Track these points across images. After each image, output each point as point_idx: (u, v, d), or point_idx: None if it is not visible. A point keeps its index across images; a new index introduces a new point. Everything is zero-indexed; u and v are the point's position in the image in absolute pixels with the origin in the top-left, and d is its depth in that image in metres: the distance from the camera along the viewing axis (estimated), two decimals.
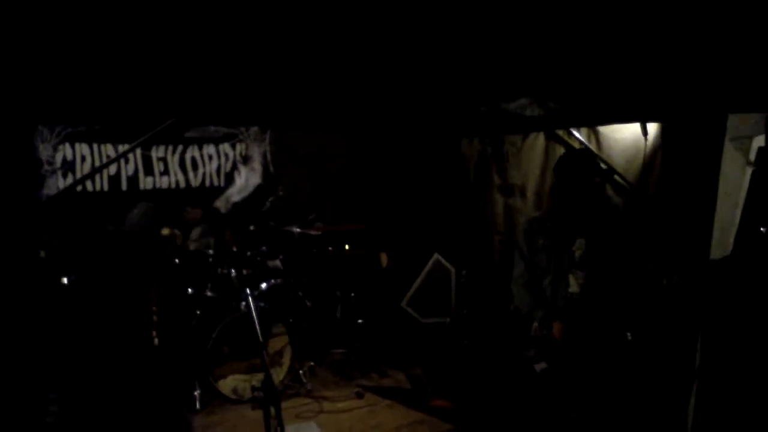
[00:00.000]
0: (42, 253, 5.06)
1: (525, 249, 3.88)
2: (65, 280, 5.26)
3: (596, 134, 5.22)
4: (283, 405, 3.89)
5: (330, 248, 6.49)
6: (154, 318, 3.13)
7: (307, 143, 6.99)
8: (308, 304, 6.09)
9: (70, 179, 5.83)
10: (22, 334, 3.28)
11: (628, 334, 3.75)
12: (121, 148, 6.01)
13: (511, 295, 4.00)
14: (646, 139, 4.71)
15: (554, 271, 3.74)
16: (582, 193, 3.67)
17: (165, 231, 3.18)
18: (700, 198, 4.03)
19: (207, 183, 6.62)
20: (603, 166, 4.92)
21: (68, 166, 5.86)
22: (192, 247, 5.79)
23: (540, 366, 3.67)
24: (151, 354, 2.99)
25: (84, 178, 5.84)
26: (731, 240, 3.68)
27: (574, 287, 3.70)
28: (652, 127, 4.70)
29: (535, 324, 3.72)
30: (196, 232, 5.92)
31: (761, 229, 3.40)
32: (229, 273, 5.40)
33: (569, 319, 3.65)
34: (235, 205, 6.68)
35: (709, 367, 3.73)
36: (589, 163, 3.87)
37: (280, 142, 6.97)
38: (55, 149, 5.80)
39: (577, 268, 3.70)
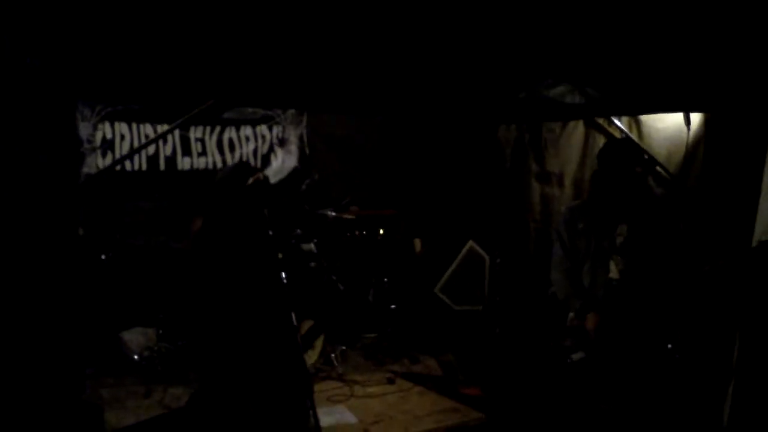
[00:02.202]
0: (81, 231, 5.14)
1: (565, 235, 3.85)
2: (103, 257, 5.34)
3: (638, 123, 5.13)
4: (315, 388, 3.92)
5: (364, 232, 6.48)
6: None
7: (342, 127, 6.97)
8: (341, 288, 6.10)
9: (109, 158, 5.90)
10: (61, 310, 3.33)
11: (668, 343, 3.68)
12: (160, 128, 6.06)
13: (548, 281, 3.97)
14: (688, 129, 4.62)
15: (594, 255, 3.70)
16: (623, 182, 3.62)
17: (250, 180, 3.20)
18: (742, 191, 3.94)
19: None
20: (645, 156, 4.84)
21: (107, 145, 5.92)
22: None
23: (577, 355, 3.64)
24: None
25: (124, 157, 5.89)
26: None
27: (614, 273, 3.65)
28: (695, 117, 4.60)
29: (571, 314, 3.68)
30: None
31: None
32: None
33: (607, 309, 3.61)
34: (272, 186, 6.70)
35: (747, 363, 3.66)
36: (631, 153, 3.82)
37: (316, 125, 6.96)
38: (95, 128, 5.86)
39: (618, 254, 3.65)
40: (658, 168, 4.82)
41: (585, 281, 3.75)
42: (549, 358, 4.02)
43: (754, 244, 3.69)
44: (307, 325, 5.34)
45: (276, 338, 3.00)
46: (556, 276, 3.92)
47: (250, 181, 3.21)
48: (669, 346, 3.67)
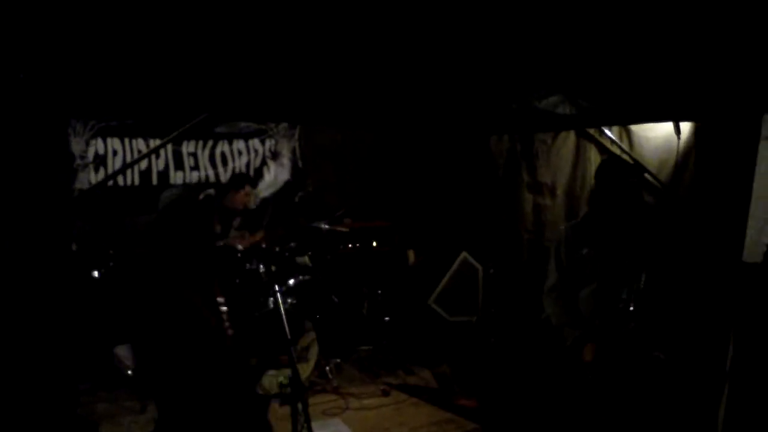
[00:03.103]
0: (74, 246, 5.13)
1: (563, 257, 3.78)
2: (96, 274, 5.34)
3: (628, 133, 5.15)
4: (310, 401, 3.90)
5: (358, 245, 6.49)
6: (224, 309, 3.12)
7: (335, 140, 7.00)
8: (335, 300, 6.10)
9: (101, 173, 5.90)
10: (55, 326, 3.32)
11: (657, 353, 3.66)
12: (152, 142, 6.07)
13: (542, 305, 3.92)
14: (679, 138, 4.65)
15: (600, 280, 3.64)
16: (623, 197, 3.60)
17: (201, 195, 3.18)
18: (733, 198, 3.96)
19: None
20: (630, 161, 4.87)
21: (100, 160, 5.93)
22: (232, 235, 5.80)
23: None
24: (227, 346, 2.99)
25: (116, 173, 5.91)
26: (766, 241, 3.61)
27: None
28: (686, 127, 4.63)
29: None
30: (237, 221, 5.94)
31: None
32: (258, 269, 5.42)
33: (611, 335, 3.56)
34: (264, 200, 6.71)
35: (741, 370, 3.67)
36: (627, 167, 3.83)
37: (309, 138, 6.98)
38: (87, 143, 5.87)
39: (636, 299, 3.58)
40: (647, 176, 4.84)
41: (586, 307, 3.69)
42: (544, 370, 4.00)
43: (745, 250, 3.71)
44: (304, 337, 5.33)
45: (221, 361, 2.97)
46: (549, 302, 3.85)
47: (201, 196, 3.20)
48: (660, 355, 3.66)
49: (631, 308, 3.55)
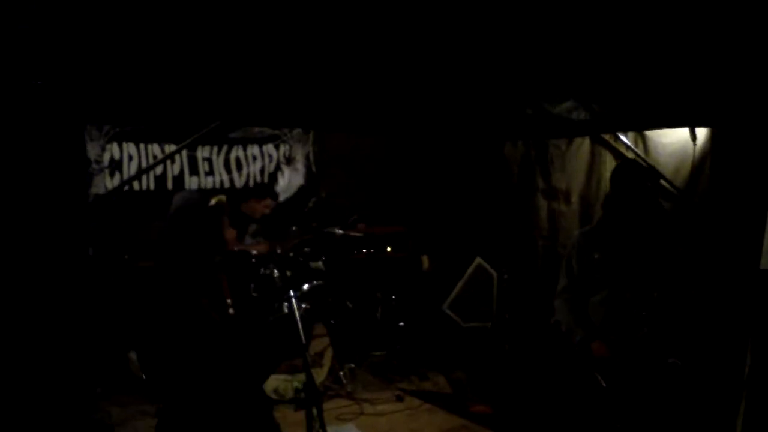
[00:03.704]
0: (90, 251, 5.16)
1: (574, 263, 3.76)
2: (111, 278, 5.36)
3: (643, 138, 5.12)
4: (324, 406, 3.90)
5: (372, 250, 6.49)
6: (231, 311, 3.15)
7: (349, 145, 7.00)
8: (349, 305, 6.10)
9: (117, 178, 5.94)
10: (71, 330, 3.34)
11: (671, 359, 3.62)
12: (167, 147, 6.10)
13: (553, 308, 3.92)
14: (695, 144, 4.62)
15: (611, 287, 3.62)
16: (639, 201, 3.57)
17: (213, 200, 3.19)
18: (750, 205, 3.93)
19: (251, 183, 6.67)
20: (645, 165, 4.85)
21: (115, 165, 5.97)
22: (247, 241, 5.82)
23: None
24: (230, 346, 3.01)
25: (131, 178, 5.94)
26: None
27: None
28: (702, 132, 4.60)
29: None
30: (252, 227, 5.96)
31: None
32: (272, 273, 5.42)
33: (618, 338, 3.54)
34: (278, 205, 6.73)
35: (759, 378, 3.64)
36: (642, 171, 3.80)
37: (323, 143, 6.99)
38: (102, 148, 5.91)
39: (649, 311, 3.56)
40: (662, 182, 4.82)
41: (597, 313, 3.67)
42: (557, 376, 3.98)
43: (762, 257, 3.68)
44: (318, 342, 5.33)
45: (225, 361, 2.99)
46: (559, 305, 3.86)
47: (212, 202, 3.22)
48: (676, 361, 3.62)
49: (644, 313, 3.53)
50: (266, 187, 6.39)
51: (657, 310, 3.54)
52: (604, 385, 3.53)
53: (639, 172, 3.77)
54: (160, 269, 3.11)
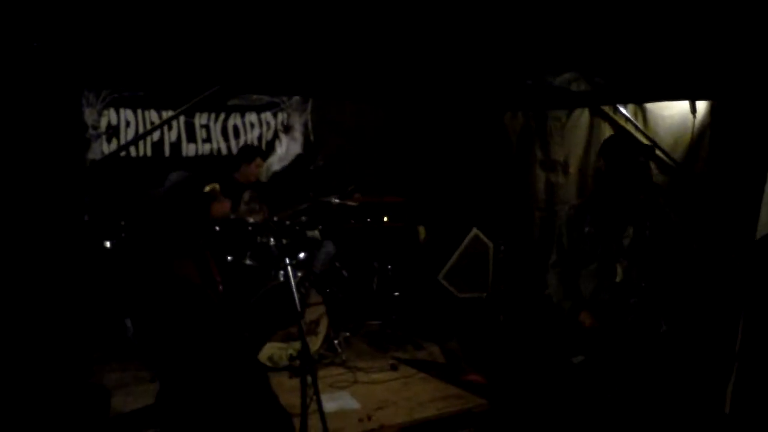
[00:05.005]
0: (86, 217, 5.16)
1: (565, 238, 3.76)
2: (108, 244, 5.36)
3: (643, 111, 5.11)
4: (319, 374, 3.93)
5: (368, 219, 6.49)
6: (220, 288, 3.17)
7: (347, 114, 6.97)
8: (345, 274, 6.11)
9: (114, 144, 5.91)
10: (67, 296, 3.35)
11: (663, 324, 3.64)
12: (165, 114, 6.06)
13: (545, 282, 3.93)
14: (694, 116, 4.61)
15: (600, 259, 3.62)
16: (630, 176, 3.56)
17: (207, 188, 3.20)
18: (748, 177, 3.93)
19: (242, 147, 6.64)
20: (644, 141, 4.83)
21: (112, 131, 5.94)
22: (242, 209, 5.80)
23: (577, 359, 3.62)
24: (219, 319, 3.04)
25: (128, 143, 5.91)
26: None
27: (620, 276, 3.59)
28: (702, 105, 4.59)
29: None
30: (247, 195, 5.93)
31: None
32: (268, 242, 5.42)
33: (609, 311, 3.57)
34: (275, 174, 6.71)
35: (750, 350, 3.66)
36: (634, 144, 3.78)
37: (321, 112, 6.96)
38: (100, 114, 5.87)
39: (623, 257, 3.58)
40: (659, 153, 4.81)
41: (587, 285, 3.68)
42: (547, 357, 4.00)
43: (759, 231, 3.69)
44: (314, 310, 5.35)
45: (218, 333, 3.02)
46: (550, 278, 3.87)
47: (206, 189, 3.23)
48: (662, 326, 3.64)
49: (636, 285, 3.55)
50: (253, 148, 6.33)
51: (647, 282, 3.56)
52: (582, 357, 3.57)
53: (630, 146, 3.74)
54: (152, 242, 3.14)
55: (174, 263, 2.99)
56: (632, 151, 3.64)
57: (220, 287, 3.19)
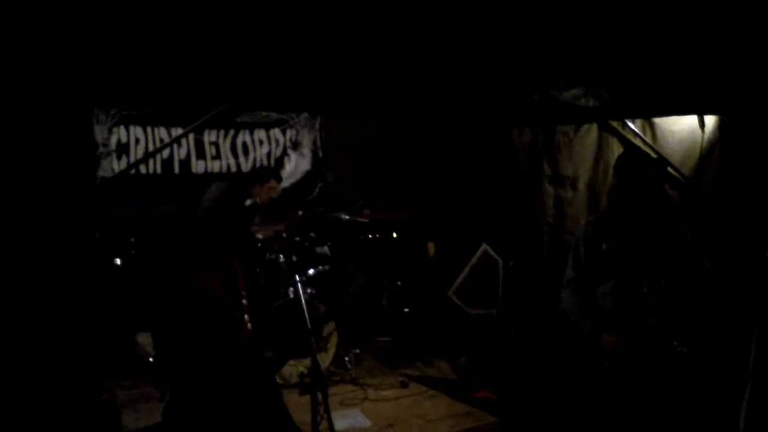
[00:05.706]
0: (97, 234, 5.18)
1: (582, 252, 3.73)
2: (118, 261, 5.38)
3: (651, 126, 5.10)
4: (329, 391, 3.91)
5: (377, 235, 6.48)
6: (244, 302, 3.15)
7: (356, 130, 6.99)
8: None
9: (124, 161, 5.95)
10: (78, 313, 3.35)
11: (677, 343, 3.61)
12: (174, 131, 6.10)
13: (559, 298, 3.90)
14: (703, 131, 4.60)
15: (620, 276, 3.59)
16: (644, 190, 3.54)
17: (248, 202, 3.18)
18: (758, 193, 3.92)
19: (257, 168, 6.67)
20: (653, 155, 4.82)
21: (122, 149, 5.97)
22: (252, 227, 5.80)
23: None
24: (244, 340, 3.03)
25: (139, 161, 5.95)
26: None
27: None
28: (710, 120, 4.58)
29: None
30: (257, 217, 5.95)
31: None
32: (278, 258, 5.42)
33: (627, 329, 3.53)
34: (285, 190, 6.73)
35: (763, 368, 3.63)
36: (647, 159, 3.77)
37: (330, 128, 6.99)
38: (110, 131, 5.91)
39: (646, 275, 3.53)
40: (670, 169, 4.79)
41: (606, 304, 3.65)
42: (562, 363, 3.98)
43: None
44: (326, 328, 5.34)
45: (238, 352, 3.01)
46: (566, 295, 3.83)
47: (248, 202, 3.21)
48: (683, 349, 3.61)
49: (653, 303, 3.52)
50: (269, 169, 6.37)
51: (666, 299, 3.52)
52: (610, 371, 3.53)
53: (644, 161, 3.73)
54: (177, 256, 3.12)
55: (201, 275, 2.96)
56: (645, 165, 3.63)
57: (244, 301, 3.16)
